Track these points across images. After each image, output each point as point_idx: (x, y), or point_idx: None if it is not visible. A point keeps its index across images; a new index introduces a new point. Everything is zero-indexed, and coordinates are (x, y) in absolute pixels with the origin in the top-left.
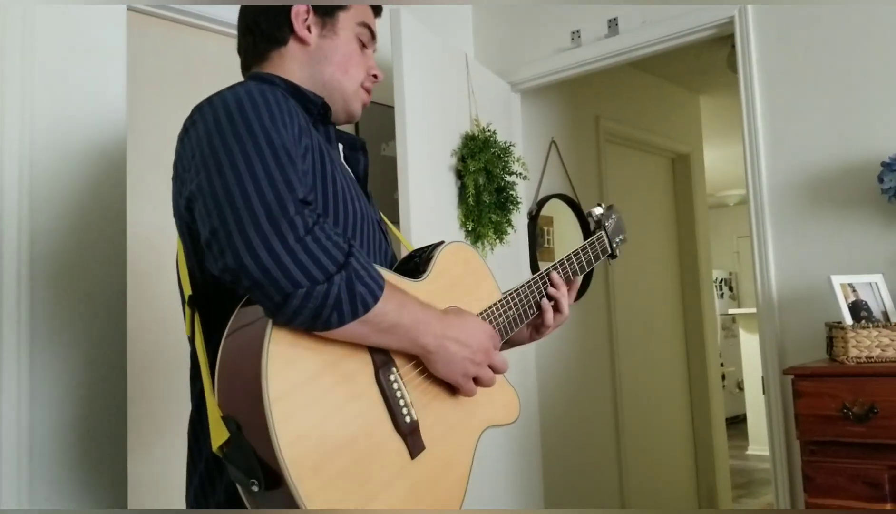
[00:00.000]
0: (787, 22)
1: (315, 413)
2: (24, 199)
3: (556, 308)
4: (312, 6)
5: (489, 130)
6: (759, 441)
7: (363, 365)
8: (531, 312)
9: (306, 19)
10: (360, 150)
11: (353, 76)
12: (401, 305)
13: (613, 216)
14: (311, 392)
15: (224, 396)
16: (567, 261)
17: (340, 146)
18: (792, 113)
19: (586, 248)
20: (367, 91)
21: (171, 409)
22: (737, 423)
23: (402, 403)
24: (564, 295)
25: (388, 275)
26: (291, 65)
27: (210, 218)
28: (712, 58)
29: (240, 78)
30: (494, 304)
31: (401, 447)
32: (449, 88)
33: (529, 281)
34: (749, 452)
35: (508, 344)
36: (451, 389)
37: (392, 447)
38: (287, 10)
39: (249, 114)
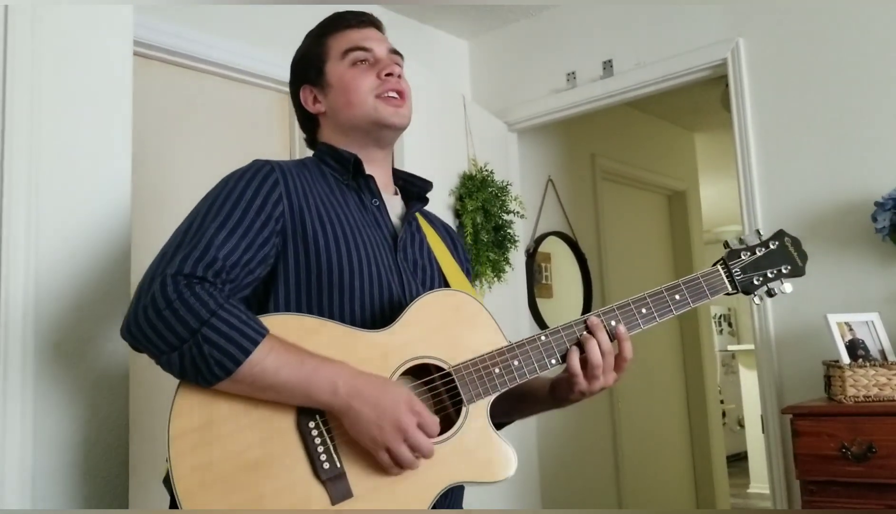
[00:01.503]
0: (780, 63)
1: (217, 451)
2: (32, 240)
3: (586, 364)
4: (305, 81)
5: (486, 170)
6: (761, 479)
7: (285, 411)
8: (551, 363)
9: (314, 97)
10: (416, 198)
11: (360, 99)
12: (280, 364)
13: (773, 244)
14: (216, 432)
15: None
16: (632, 305)
17: (391, 196)
18: (785, 152)
19: (679, 286)
20: (390, 94)
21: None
22: (738, 460)
23: (320, 449)
24: (596, 346)
25: (324, 332)
26: (329, 134)
27: None
28: (707, 96)
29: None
30: (487, 353)
31: (320, 492)
32: (447, 128)
33: (560, 326)
34: (751, 490)
35: (525, 408)
36: None
37: (307, 490)
38: (300, 103)
39: (208, 196)
